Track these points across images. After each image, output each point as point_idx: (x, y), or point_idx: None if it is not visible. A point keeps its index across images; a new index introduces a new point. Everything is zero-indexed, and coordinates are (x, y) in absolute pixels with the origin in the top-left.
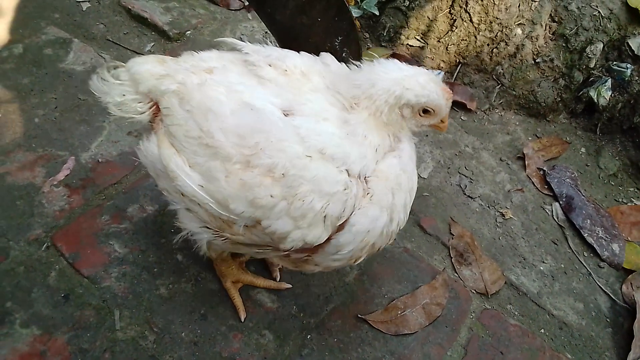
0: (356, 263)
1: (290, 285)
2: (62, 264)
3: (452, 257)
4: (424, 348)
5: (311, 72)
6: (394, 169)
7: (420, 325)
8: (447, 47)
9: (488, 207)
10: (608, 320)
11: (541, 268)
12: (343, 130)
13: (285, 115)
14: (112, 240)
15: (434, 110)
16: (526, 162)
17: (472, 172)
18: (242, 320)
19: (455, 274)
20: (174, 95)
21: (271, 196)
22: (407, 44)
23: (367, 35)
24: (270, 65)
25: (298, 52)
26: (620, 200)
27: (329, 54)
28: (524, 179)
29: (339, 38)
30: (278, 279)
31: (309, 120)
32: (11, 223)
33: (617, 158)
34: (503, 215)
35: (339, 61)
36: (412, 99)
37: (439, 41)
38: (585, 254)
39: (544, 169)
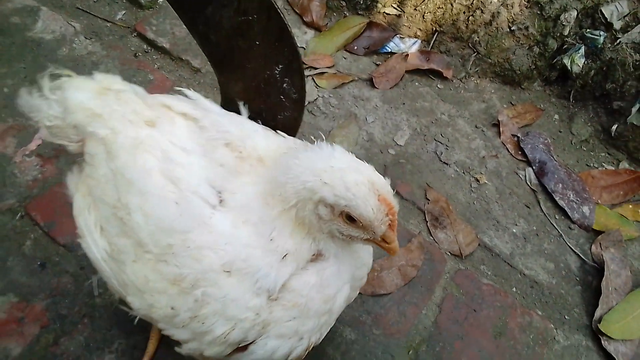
0: None
1: None
2: (37, 233)
3: (427, 221)
4: (400, 307)
5: (269, 157)
6: (306, 290)
7: (396, 286)
8: (423, 15)
9: (463, 172)
10: (577, 279)
11: (514, 230)
12: (257, 234)
13: (220, 200)
14: None
15: (361, 223)
16: (501, 129)
17: (447, 139)
18: None
19: (431, 237)
20: (101, 143)
21: (172, 308)
22: (384, 12)
23: (344, 4)
24: (227, 145)
25: (239, 83)
26: (592, 165)
27: (291, 138)
28: (499, 146)
29: (280, 66)
30: None
31: (228, 221)
32: None
33: (589, 124)
34: (478, 180)
35: (279, 95)
36: (328, 197)
37: (415, 9)
38: (557, 217)
39: (518, 135)
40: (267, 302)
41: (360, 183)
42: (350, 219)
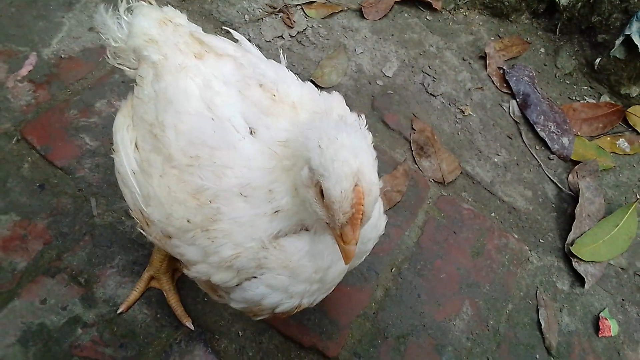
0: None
1: (192, 328)
2: (34, 156)
3: (412, 150)
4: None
5: (303, 108)
6: (297, 256)
7: None
8: None
9: (449, 104)
10: (553, 205)
11: (495, 160)
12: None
13: (252, 133)
14: (82, 133)
15: (326, 201)
16: (487, 62)
17: (435, 71)
18: (119, 312)
19: (415, 165)
20: (152, 67)
21: (188, 221)
22: None
23: None
24: (260, 86)
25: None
26: (574, 98)
27: (338, 95)
28: (485, 78)
29: None
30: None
31: (255, 148)
32: None
33: (573, 58)
34: (463, 111)
35: None
36: (314, 160)
37: None
38: (537, 147)
39: (504, 68)
40: (268, 242)
41: (346, 163)
42: (322, 194)
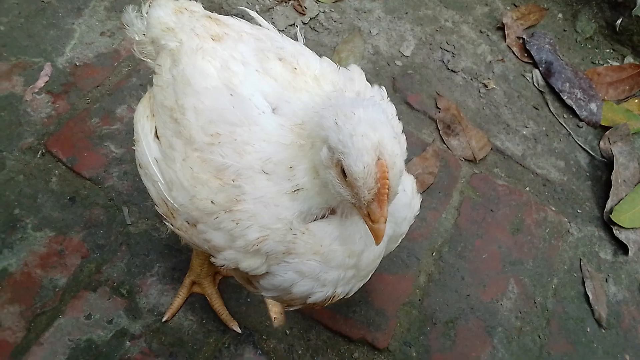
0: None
1: (239, 331)
2: (61, 169)
3: (439, 130)
4: (420, 213)
5: (326, 80)
6: (327, 240)
7: None
8: None
9: (471, 79)
10: (587, 174)
11: (524, 132)
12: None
13: (274, 111)
14: (107, 141)
15: (349, 179)
16: (506, 32)
17: (453, 46)
18: (164, 320)
19: (444, 145)
20: (170, 54)
21: (212, 202)
22: None
23: None
24: (280, 60)
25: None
26: (597, 62)
27: (358, 67)
28: (504, 49)
29: None
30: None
31: (275, 122)
32: (0, 135)
33: (593, 21)
34: (486, 85)
35: None
36: (332, 138)
37: None
38: (565, 116)
39: (524, 37)
40: (297, 225)
41: (366, 137)
42: (344, 172)
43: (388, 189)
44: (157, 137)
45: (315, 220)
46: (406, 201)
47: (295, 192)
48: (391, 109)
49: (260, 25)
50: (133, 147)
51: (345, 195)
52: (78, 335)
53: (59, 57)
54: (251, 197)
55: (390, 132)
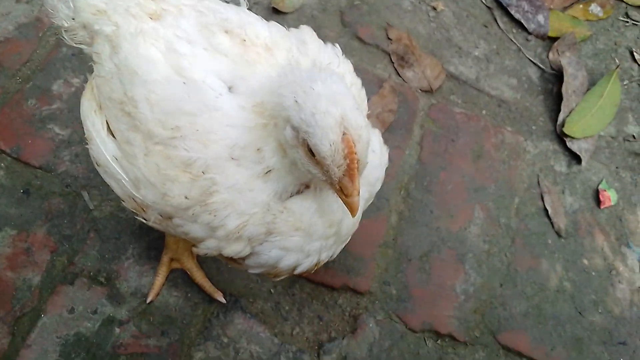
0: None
1: (224, 301)
2: (6, 161)
3: (394, 63)
4: None
5: (278, 47)
6: (307, 215)
7: None
8: None
9: (419, 2)
10: (539, 88)
11: (476, 54)
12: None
13: (230, 89)
14: (50, 124)
15: (318, 158)
16: None
17: None
18: (148, 301)
19: (400, 78)
20: (107, 40)
21: (186, 197)
22: None
23: None
24: (227, 33)
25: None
26: None
27: (309, 28)
28: None
29: None
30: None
31: (235, 103)
32: None
33: None
34: (434, 8)
35: None
36: (294, 118)
37: None
38: (514, 31)
39: None
40: (274, 205)
41: (329, 114)
42: (311, 151)
43: (357, 162)
44: (111, 132)
45: (291, 197)
46: (377, 162)
47: (267, 173)
48: (349, 67)
49: None
50: (82, 127)
51: (315, 172)
52: (65, 331)
53: None
54: (224, 187)
55: (352, 103)
